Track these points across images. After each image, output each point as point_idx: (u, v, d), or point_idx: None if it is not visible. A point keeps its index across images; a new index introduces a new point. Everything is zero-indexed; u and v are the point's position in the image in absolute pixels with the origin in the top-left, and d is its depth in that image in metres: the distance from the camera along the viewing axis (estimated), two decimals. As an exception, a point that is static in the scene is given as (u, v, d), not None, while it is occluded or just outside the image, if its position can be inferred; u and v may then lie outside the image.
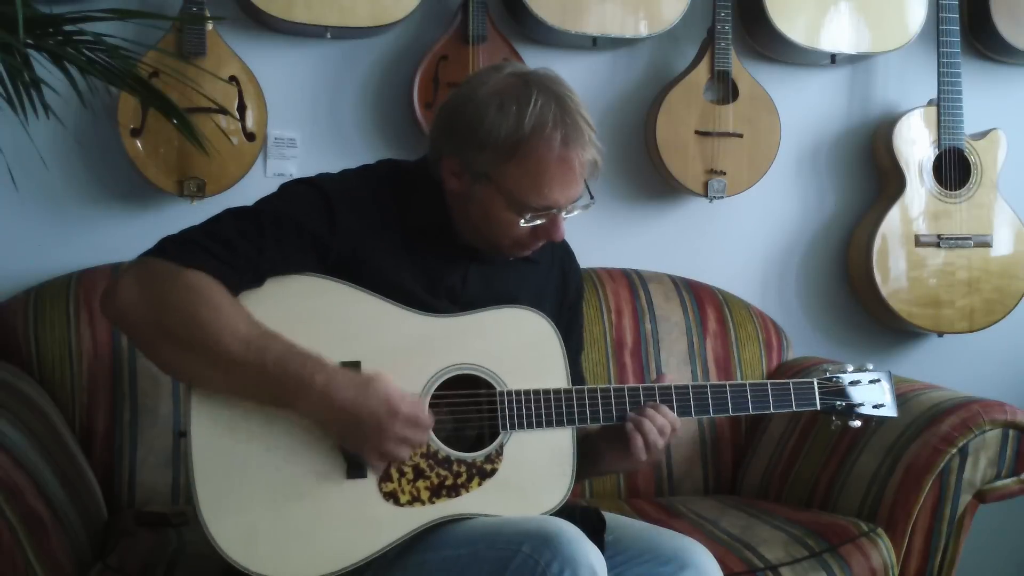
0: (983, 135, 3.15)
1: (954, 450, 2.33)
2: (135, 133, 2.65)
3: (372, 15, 2.74)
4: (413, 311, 1.78)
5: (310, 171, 1.90)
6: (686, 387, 1.88)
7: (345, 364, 1.72)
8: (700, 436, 2.81)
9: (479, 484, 1.77)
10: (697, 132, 2.97)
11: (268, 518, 1.67)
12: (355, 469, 1.72)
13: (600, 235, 3.04)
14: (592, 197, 1.82)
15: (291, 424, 1.69)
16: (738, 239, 3.20)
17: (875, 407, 2.01)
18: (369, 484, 1.72)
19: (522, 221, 1.77)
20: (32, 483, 1.96)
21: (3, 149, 2.17)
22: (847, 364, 2.03)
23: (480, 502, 1.76)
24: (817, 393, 1.97)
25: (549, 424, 1.80)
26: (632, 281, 2.91)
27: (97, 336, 2.51)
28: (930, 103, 3.11)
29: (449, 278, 1.85)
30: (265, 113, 2.77)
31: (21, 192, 2.37)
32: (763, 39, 3.08)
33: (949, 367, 3.23)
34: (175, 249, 1.69)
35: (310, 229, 1.74)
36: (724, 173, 2.99)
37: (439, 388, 1.77)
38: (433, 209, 1.84)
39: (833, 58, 3.06)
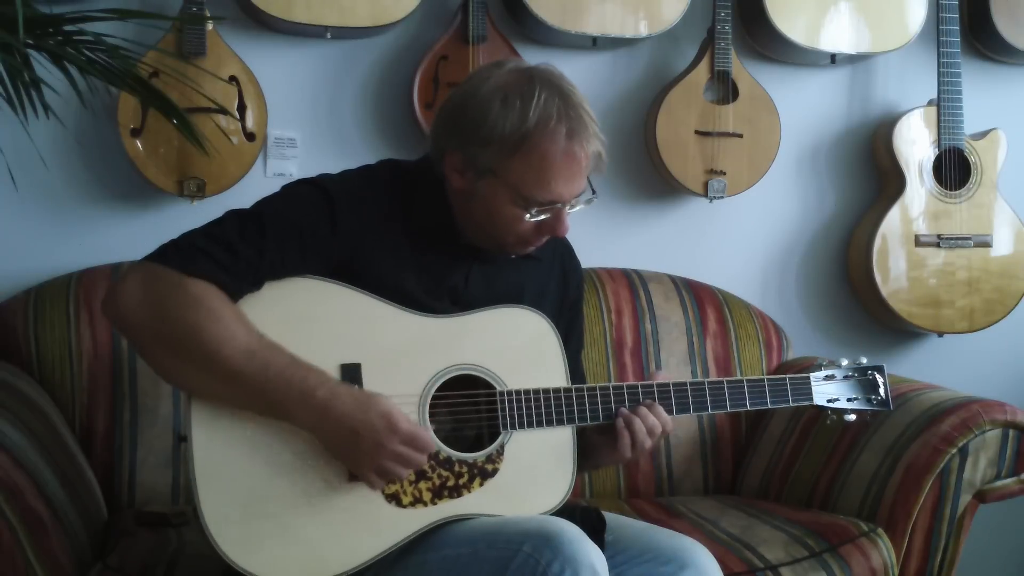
0: (983, 135, 3.15)
1: (954, 450, 2.33)
2: (135, 133, 2.65)
3: (372, 15, 2.74)
4: (413, 312, 1.78)
5: (310, 171, 1.90)
6: (684, 384, 1.88)
7: (345, 365, 1.72)
8: (700, 436, 2.81)
9: (480, 484, 1.77)
10: (697, 132, 2.97)
11: (271, 522, 1.67)
12: (356, 471, 1.72)
13: (600, 235, 3.04)
14: (595, 192, 1.83)
15: (293, 428, 1.68)
16: (738, 239, 3.20)
17: (870, 400, 2.02)
18: (371, 486, 1.73)
19: (527, 216, 1.77)
20: (32, 483, 1.96)
21: (3, 149, 2.17)
22: (841, 359, 2.04)
23: (481, 502, 1.76)
24: (813, 387, 1.98)
25: (549, 423, 1.80)
26: (632, 281, 2.91)
27: (97, 336, 2.51)
28: (930, 103, 3.11)
29: (451, 278, 1.85)
30: (265, 113, 2.77)
31: (21, 192, 2.37)
32: (763, 39, 3.08)
33: (949, 367, 3.23)
34: (177, 255, 1.68)
35: (312, 230, 1.74)
36: (724, 173, 2.99)
37: (439, 389, 1.77)
38: (435, 208, 1.84)
39: (833, 58, 3.06)
